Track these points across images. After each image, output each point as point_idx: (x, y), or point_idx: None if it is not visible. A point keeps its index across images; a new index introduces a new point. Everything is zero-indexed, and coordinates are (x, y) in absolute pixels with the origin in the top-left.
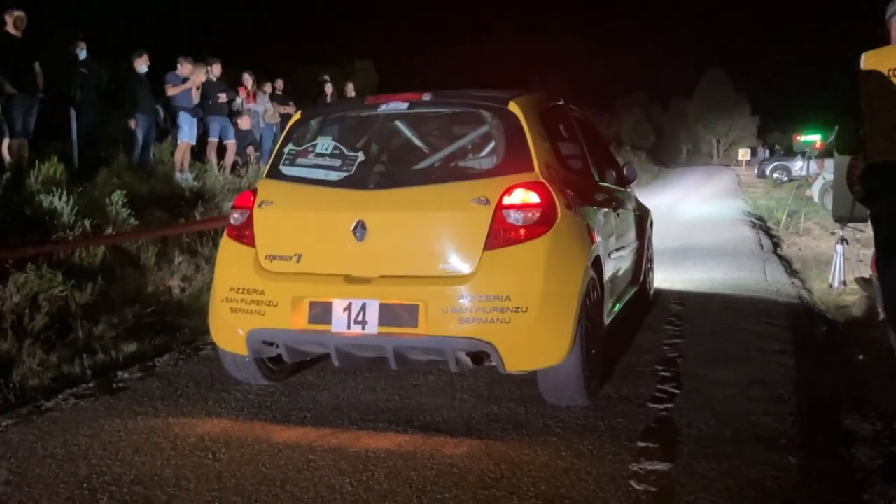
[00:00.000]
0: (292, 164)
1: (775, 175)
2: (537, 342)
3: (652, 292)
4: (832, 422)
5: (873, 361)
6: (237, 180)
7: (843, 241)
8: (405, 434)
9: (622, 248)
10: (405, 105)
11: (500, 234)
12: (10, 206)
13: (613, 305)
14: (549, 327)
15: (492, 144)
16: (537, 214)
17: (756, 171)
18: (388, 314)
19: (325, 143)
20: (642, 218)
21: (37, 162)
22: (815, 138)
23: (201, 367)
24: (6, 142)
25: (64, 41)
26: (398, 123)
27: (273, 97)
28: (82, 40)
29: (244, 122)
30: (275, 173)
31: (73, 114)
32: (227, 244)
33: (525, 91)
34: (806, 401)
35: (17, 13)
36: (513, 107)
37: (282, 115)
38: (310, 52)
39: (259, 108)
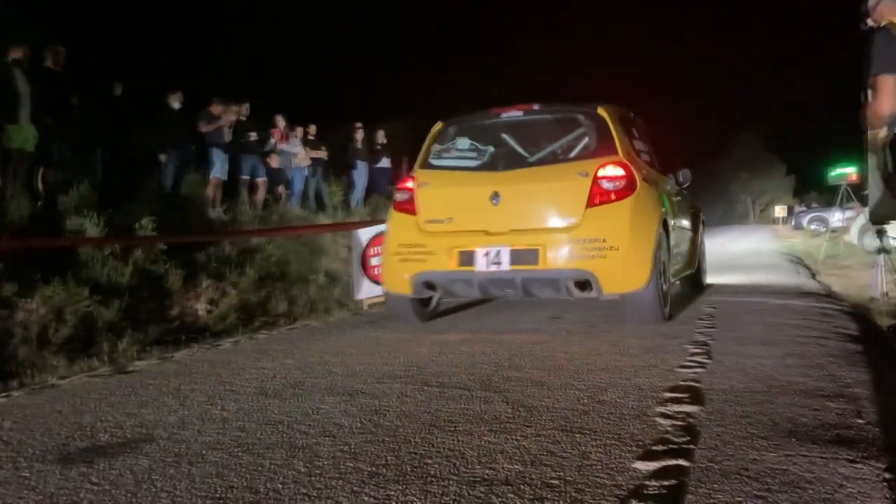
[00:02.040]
0: (439, 157)
1: (812, 226)
2: (626, 272)
3: (706, 281)
4: (874, 381)
5: None
6: (267, 216)
7: (883, 251)
8: (417, 388)
9: (681, 228)
10: (521, 113)
11: (598, 197)
12: (42, 229)
13: (677, 271)
14: (634, 261)
15: (586, 138)
16: (623, 183)
17: (792, 224)
18: (517, 256)
19: (463, 142)
20: (696, 214)
21: (69, 189)
22: (849, 170)
23: (220, 355)
24: (41, 170)
25: (101, 76)
26: (516, 125)
27: (305, 142)
28: (117, 79)
29: (274, 161)
30: (426, 165)
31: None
32: (395, 215)
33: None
34: (846, 366)
35: (56, 48)
36: (601, 111)
37: (313, 160)
38: (347, 104)
39: (291, 149)
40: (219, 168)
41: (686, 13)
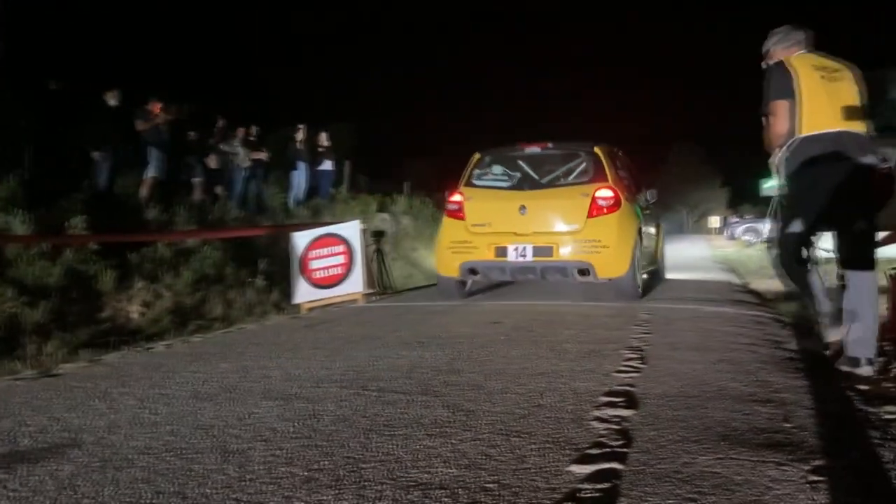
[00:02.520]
0: (479, 179)
1: (745, 237)
2: (613, 263)
3: (664, 276)
4: (802, 386)
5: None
6: (204, 217)
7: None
8: (355, 392)
9: (649, 235)
10: (539, 148)
11: (595, 211)
12: None
13: (645, 265)
14: (619, 255)
15: (586, 168)
16: (612, 202)
17: (725, 234)
18: (538, 251)
19: (497, 169)
20: (658, 224)
21: None
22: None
23: (152, 358)
24: None
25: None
26: (536, 157)
27: (246, 143)
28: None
29: (212, 162)
30: (469, 184)
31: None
32: (448, 220)
33: (600, 142)
34: (776, 372)
35: None
36: (596, 149)
37: (254, 160)
38: (292, 106)
39: (231, 150)
40: (155, 167)
41: (627, 30)
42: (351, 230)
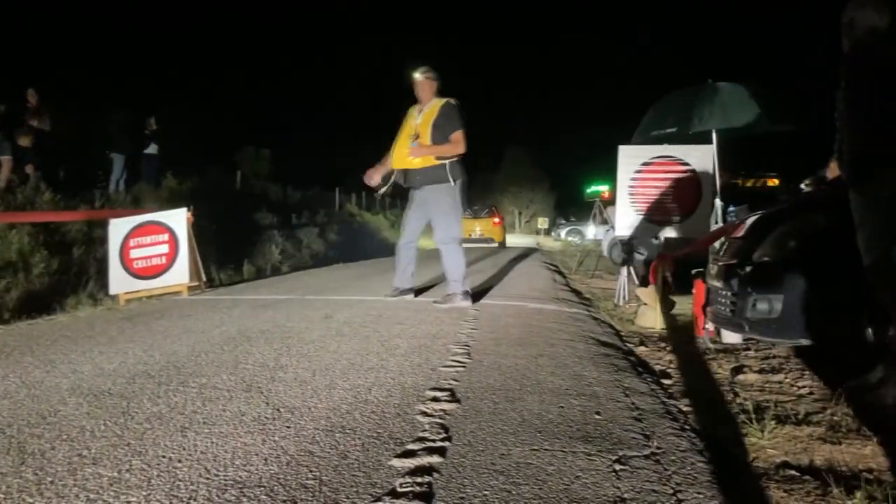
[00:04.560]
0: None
1: (569, 238)
2: (501, 238)
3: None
4: (613, 381)
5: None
6: (11, 199)
7: (626, 262)
8: (173, 389)
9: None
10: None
11: (493, 224)
12: None
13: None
14: (502, 236)
15: (491, 210)
16: (499, 221)
17: (553, 235)
18: (479, 235)
19: (467, 211)
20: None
21: None
22: (602, 188)
23: None
24: None
25: None
26: (478, 208)
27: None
28: None
29: (24, 140)
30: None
31: None
32: None
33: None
34: (590, 367)
35: None
36: (493, 206)
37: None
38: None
39: (45, 127)
40: None
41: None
42: (176, 218)
